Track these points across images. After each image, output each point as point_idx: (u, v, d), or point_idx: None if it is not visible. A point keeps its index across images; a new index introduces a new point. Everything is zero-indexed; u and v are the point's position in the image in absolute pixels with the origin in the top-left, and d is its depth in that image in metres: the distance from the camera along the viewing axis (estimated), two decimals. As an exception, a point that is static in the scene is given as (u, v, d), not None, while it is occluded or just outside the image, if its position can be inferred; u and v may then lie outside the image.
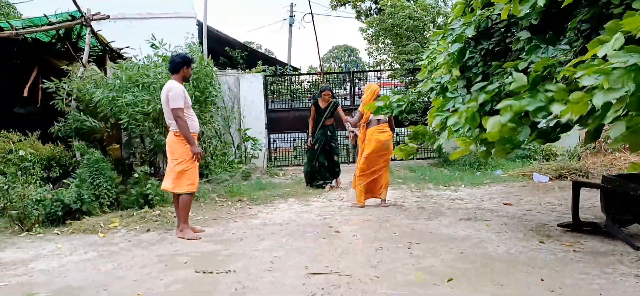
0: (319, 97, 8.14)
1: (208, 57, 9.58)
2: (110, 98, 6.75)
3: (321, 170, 8.07)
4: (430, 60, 5.08)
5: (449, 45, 4.29)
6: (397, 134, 11.84)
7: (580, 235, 4.28)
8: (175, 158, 4.85)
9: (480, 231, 4.64)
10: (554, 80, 2.81)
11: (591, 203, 5.74)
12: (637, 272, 3.24)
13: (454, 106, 3.97)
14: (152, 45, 7.70)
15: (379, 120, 6.21)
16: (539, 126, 2.67)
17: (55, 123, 7.16)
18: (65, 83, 7.14)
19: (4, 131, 6.93)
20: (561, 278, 3.18)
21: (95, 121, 7.02)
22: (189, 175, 4.84)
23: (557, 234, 4.40)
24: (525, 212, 5.55)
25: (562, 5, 2.87)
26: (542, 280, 3.16)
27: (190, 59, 5.02)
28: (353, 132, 7.15)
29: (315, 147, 8.02)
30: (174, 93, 4.74)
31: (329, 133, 8.10)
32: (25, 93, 8.09)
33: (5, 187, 5.73)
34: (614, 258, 3.58)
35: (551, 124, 2.49)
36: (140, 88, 6.91)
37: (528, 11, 3.28)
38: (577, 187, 4.51)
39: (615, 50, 1.97)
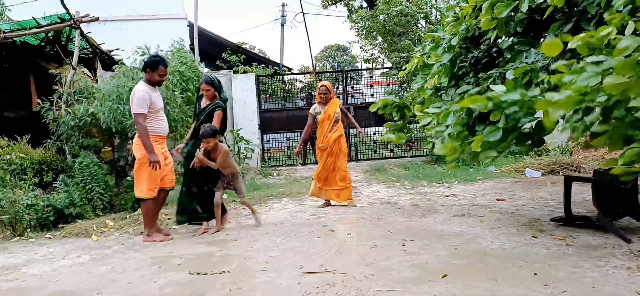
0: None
1: (199, 58, 9.53)
2: (108, 110, 6.55)
3: (192, 200, 5.20)
4: (418, 61, 5.07)
5: (441, 55, 4.31)
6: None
7: (573, 229, 4.31)
8: (136, 161, 4.79)
9: (474, 228, 4.66)
10: (534, 85, 2.83)
11: (583, 197, 5.78)
12: (629, 265, 3.27)
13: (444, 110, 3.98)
14: (142, 54, 7.59)
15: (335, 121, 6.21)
16: (522, 130, 2.68)
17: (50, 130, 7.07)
18: (56, 94, 7.04)
19: None
20: (554, 272, 3.20)
21: (92, 135, 6.93)
22: (147, 179, 4.73)
23: (549, 228, 4.43)
24: (518, 207, 5.58)
25: (545, 16, 2.90)
26: (535, 274, 3.18)
27: (157, 62, 4.84)
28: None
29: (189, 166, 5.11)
30: (136, 97, 4.67)
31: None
32: (34, 105, 7.94)
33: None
34: (606, 252, 3.61)
35: (533, 125, 2.50)
36: None
37: (509, 15, 3.31)
38: (568, 181, 4.55)
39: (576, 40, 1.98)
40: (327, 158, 6.20)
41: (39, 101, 7.05)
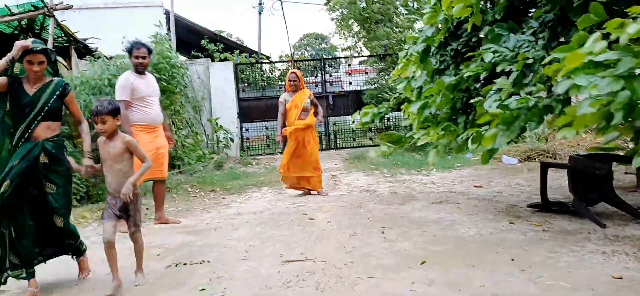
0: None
1: (176, 47, 9.37)
2: (83, 102, 6.38)
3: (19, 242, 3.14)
4: (403, 67, 5.10)
5: (418, 45, 4.35)
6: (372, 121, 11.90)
7: (549, 215, 4.39)
8: None
9: (452, 214, 4.72)
10: (531, 76, 2.86)
11: (559, 183, 5.91)
12: (603, 249, 3.35)
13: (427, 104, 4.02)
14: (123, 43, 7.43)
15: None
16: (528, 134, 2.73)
17: None
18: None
19: None
20: (531, 257, 3.27)
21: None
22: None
23: (526, 214, 4.52)
24: (495, 194, 5.67)
25: None
26: (512, 260, 3.24)
27: (130, 46, 4.82)
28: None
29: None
30: (117, 84, 4.69)
31: (52, 151, 3.19)
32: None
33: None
34: (581, 236, 3.69)
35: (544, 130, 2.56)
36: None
37: (485, 3, 3.35)
38: (545, 167, 4.63)
39: (599, 50, 1.99)
40: (294, 147, 6.17)
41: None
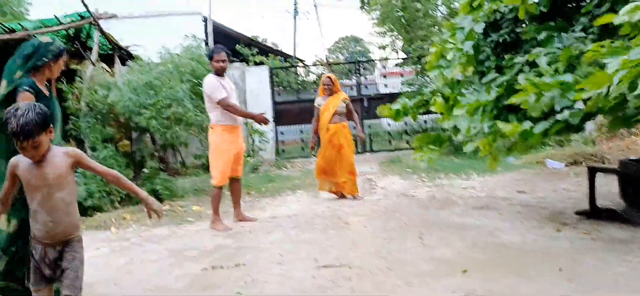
0: None
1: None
2: (128, 103, 6.62)
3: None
4: (438, 53, 4.94)
5: (461, 43, 4.19)
6: (406, 123, 11.74)
7: (598, 222, 4.16)
8: (210, 148, 5.01)
9: (493, 220, 4.55)
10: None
11: (608, 189, 5.60)
12: (657, 259, 3.14)
13: (468, 103, 3.88)
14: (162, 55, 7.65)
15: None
16: (560, 117, 2.58)
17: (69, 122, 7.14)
18: (75, 87, 7.11)
19: None
20: (579, 267, 3.09)
21: (110, 126, 6.98)
22: (219, 167, 4.87)
23: (573, 222, 4.30)
24: (540, 200, 5.44)
25: None
26: (559, 269, 3.07)
27: (211, 51, 5.13)
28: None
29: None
30: (208, 85, 4.90)
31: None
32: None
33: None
34: (633, 245, 3.48)
35: (573, 113, 2.41)
36: (156, 92, 6.82)
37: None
38: (593, 172, 4.41)
39: None
40: (326, 150, 6.14)
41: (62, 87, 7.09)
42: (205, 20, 13.60)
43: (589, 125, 9.77)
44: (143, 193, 2.38)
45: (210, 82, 4.91)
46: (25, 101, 2.59)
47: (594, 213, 4.32)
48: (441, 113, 4.11)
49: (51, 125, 2.12)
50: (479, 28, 3.94)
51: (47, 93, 2.90)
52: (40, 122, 2.04)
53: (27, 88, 2.74)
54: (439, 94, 4.33)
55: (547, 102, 2.54)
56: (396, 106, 4.75)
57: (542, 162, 8.22)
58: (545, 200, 5.39)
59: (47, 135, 2.11)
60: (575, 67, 2.85)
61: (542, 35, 3.25)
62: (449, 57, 4.22)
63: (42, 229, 2.16)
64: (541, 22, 3.54)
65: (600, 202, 4.55)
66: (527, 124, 2.90)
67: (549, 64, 2.87)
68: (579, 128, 2.80)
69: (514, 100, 2.68)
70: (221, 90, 4.83)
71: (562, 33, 3.17)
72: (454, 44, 4.08)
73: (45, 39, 3.00)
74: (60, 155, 2.19)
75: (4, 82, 2.83)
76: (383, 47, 14.80)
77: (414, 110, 4.67)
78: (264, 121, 5.10)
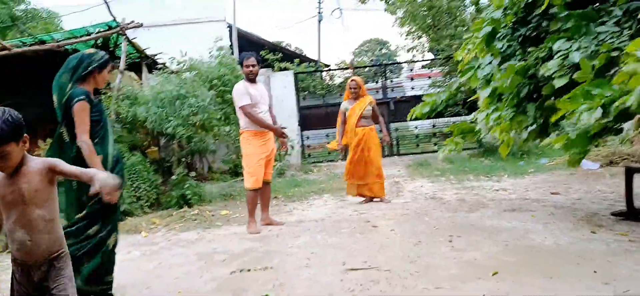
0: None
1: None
2: (155, 117, 6.78)
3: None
4: (465, 49, 4.89)
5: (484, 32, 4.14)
6: (434, 125, 11.60)
7: (636, 224, 4.01)
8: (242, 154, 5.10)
9: (525, 223, 4.43)
10: (614, 71, 2.62)
11: (646, 190, 5.42)
12: (701, 261, 3.00)
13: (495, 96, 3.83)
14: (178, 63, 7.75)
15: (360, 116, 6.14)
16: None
17: None
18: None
19: (48, 139, 7.16)
20: (615, 270, 2.98)
21: (138, 133, 7.14)
22: (251, 171, 4.93)
23: (609, 223, 4.15)
24: (574, 201, 5.28)
25: None
26: (594, 272, 2.97)
27: (241, 58, 5.16)
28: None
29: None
30: (235, 92, 5.01)
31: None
32: None
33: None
34: (674, 247, 3.33)
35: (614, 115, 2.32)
36: (182, 101, 6.95)
37: None
38: (630, 173, 4.26)
39: None
40: (353, 154, 6.13)
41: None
42: (229, 27, 13.79)
43: (626, 124, 9.42)
44: (89, 171, 2.03)
45: (236, 89, 5.00)
46: (82, 111, 2.78)
47: (632, 214, 4.17)
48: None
49: (25, 135, 1.89)
50: (498, 14, 3.87)
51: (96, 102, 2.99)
52: (7, 130, 1.80)
53: (82, 97, 2.84)
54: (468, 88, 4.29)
55: (591, 114, 2.45)
56: (425, 109, 4.73)
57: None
58: (579, 202, 5.23)
59: (21, 146, 1.87)
60: (612, 67, 2.74)
61: (569, 23, 3.14)
62: (472, 43, 4.18)
63: (21, 249, 1.93)
64: (570, 10, 3.44)
65: (638, 203, 4.39)
66: (569, 131, 2.82)
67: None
68: (618, 130, 2.70)
69: (555, 118, 2.60)
70: (244, 98, 4.89)
71: (590, 24, 3.05)
72: (478, 28, 4.03)
73: (89, 50, 3.12)
74: (37, 167, 1.93)
75: (56, 97, 2.94)
76: (410, 50, 14.62)
77: (445, 103, 4.65)
78: (282, 136, 5.10)
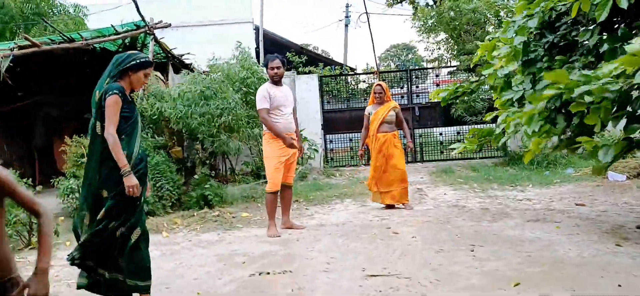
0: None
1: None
2: (181, 113, 6.88)
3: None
4: (488, 47, 4.79)
5: (512, 38, 4.08)
6: (458, 133, 11.47)
7: (664, 238, 3.90)
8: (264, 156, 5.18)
9: (549, 234, 4.35)
10: None
11: (676, 203, 5.25)
12: None
13: (516, 100, 3.78)
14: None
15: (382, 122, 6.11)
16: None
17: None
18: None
19: (75, 136, 7.34)
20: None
21: (162, 133, 7.26)
22: (272, 174, 4.97)
23: (635, 237, 4.04)
24: (600, 213, 5.15)
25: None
26: (619, 285, 2.90)
27: (266, 60, 5.20)
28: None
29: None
30: (258, 95, 4.99)
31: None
32: None
33: (77, 188, 6.05)
34: None
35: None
36: (208, 102, 7.03)
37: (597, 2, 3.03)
38: (659, 185, 4.12)
39: None
40: (375, 161, 6.11)
41: None
42: (256, 28, 13.92)
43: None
44: (42, 264, 1.67)
45: (258, 92, 5.04)
46: (114, 104, 2.87)
47: (661, 228, 4.04)
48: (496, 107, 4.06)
49: None
50: (533, 23, 3.80)
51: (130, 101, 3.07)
52: None
53: (116, 91, 2.92)
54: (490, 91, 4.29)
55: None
56: (443, 94, 4.79)
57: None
58: (605, 214, 5.09)
59: None
60: None
61: (604, 47, 3.08)
62: (499, 53, 4.13)
63: None
64: (602, 29, 3.37)
65: (668, 217, 4.26)
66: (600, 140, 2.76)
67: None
68: None
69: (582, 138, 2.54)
70: (263, 102, 4.91)
71: (624, 45, 2.97)
72: (505, 40, 3.98)
73: (133, 51, 3.24)
74: None
75: (97, 91, 3.04)
76: (433, 60, 14.54)
77: (463, 91, 4.65)
78: (291, 147, 4.96)
